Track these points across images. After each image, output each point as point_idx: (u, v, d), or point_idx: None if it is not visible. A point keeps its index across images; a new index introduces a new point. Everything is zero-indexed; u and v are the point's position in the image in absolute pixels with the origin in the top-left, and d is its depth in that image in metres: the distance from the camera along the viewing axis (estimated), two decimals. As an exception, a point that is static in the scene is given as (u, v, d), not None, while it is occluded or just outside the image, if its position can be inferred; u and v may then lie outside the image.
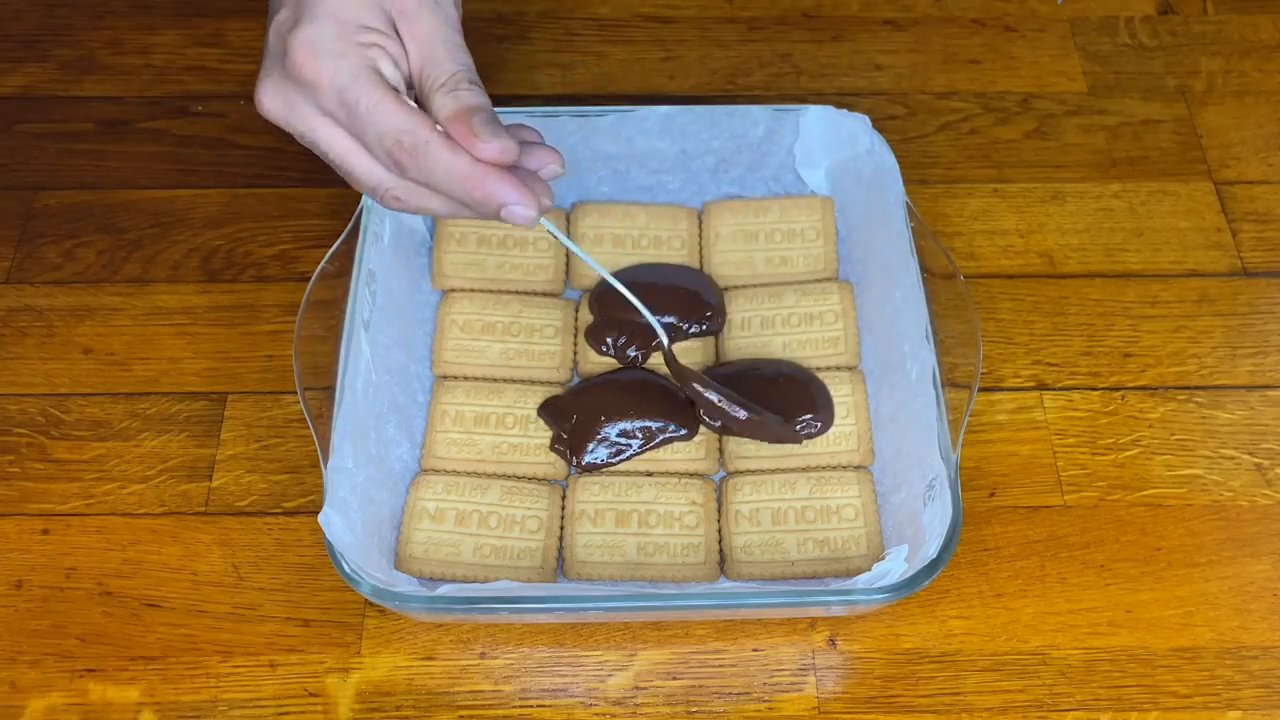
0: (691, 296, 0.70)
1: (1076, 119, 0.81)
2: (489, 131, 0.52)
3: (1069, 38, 0.85)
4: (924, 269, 0.65)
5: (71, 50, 0.83)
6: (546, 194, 0.54)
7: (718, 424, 0.65)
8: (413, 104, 0.52)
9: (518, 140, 0.53)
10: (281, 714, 0.59)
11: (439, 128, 0.52)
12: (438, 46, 0.53)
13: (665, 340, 0.64)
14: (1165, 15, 0.87)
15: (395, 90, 0.52)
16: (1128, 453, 0.67)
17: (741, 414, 0.63)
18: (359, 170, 0.54)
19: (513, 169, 0.53)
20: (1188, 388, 0.70)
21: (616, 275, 0.69)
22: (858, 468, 0.66)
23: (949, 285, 0.68)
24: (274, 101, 0.53)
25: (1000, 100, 0.82)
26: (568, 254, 0.72)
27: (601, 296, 0.70)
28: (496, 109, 0.51)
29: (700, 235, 0.73)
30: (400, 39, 0.54)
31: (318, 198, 0.77)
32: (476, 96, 0.53)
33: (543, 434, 0.66)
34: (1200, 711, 0.60)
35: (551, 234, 0.59)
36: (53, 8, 0.86)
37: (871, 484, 0.65)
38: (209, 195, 0.77)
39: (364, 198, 0.67)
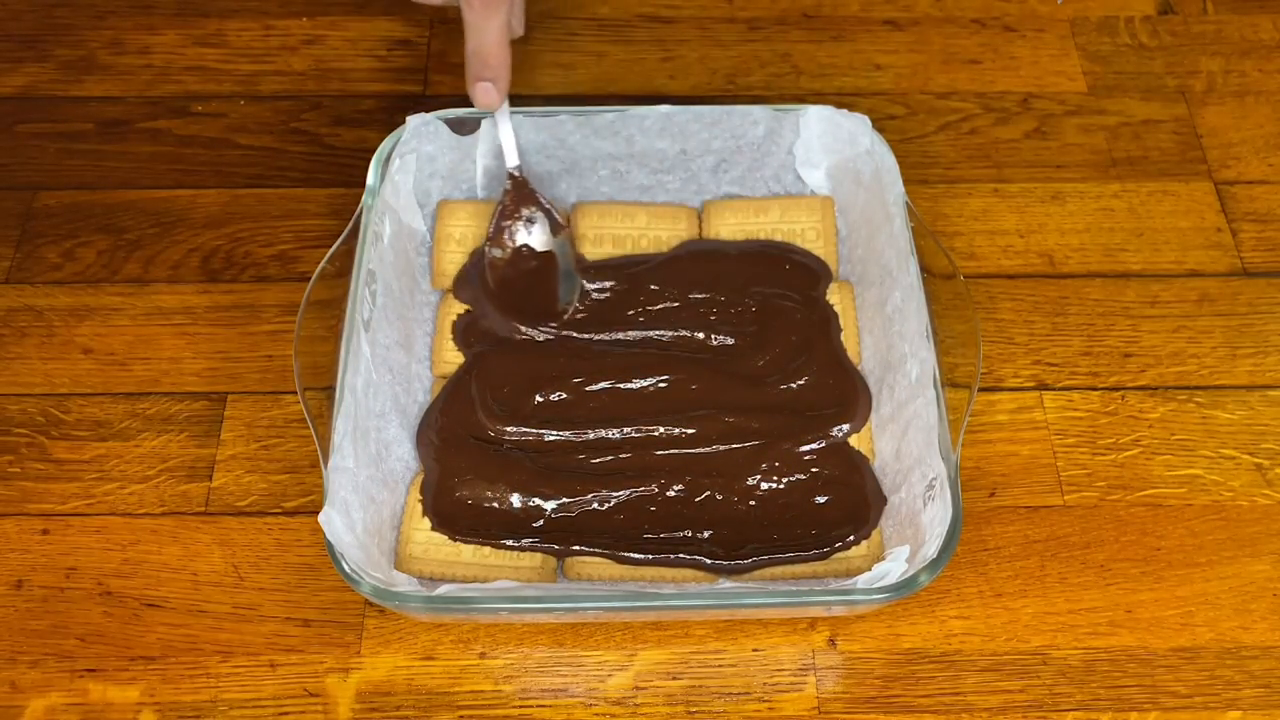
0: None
1: (1076, 119, 0.81)
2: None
3: (1069, 38, 0.85)
4: (924, 269, 0.65)
5: (71, 50, 0.83)
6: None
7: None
8: None
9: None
10: (281, 714, 0.59)
11: None
12: None
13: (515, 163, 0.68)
14: (1165, 15, 0.87)
15: None
16: (1128, 453, 0.67)
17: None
18: None
19: None
20: (1188, 388, 0.70)
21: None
22: (858, 468, 0.66)
23: (949, 285, 0.68)
24: None
25: (1000, 100, 0.82)
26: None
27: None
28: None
29: (700, 235, 0.73)
30: None
31: (318, 198, 0.77)
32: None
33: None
34: (1200, 711, 0.60)
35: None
36: (53, 8, 0.86)
37: (871, 484, 0.65)
38: (209, 195, 0.77)
39: (364, 197, 0.67)
